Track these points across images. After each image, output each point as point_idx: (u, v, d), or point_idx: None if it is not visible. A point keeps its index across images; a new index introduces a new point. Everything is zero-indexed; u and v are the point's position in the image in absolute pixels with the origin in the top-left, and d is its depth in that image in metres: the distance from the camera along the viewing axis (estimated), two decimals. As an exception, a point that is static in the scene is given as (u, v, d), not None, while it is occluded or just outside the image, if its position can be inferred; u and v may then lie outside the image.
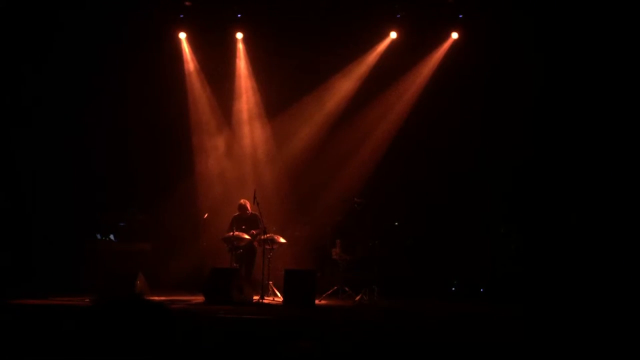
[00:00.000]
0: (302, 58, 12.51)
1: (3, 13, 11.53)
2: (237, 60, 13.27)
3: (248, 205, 11.43)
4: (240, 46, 13.22)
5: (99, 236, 11.93)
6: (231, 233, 10.95)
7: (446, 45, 12.83)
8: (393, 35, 12.82)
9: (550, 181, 12.10)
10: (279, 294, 10.93)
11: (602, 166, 11.67)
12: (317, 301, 10.55)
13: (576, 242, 11.46)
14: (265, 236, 10.94)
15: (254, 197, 10.96)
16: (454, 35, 12.72)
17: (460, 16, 12.48)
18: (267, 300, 10.73)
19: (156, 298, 10.09)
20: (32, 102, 12.25)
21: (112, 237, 12.00)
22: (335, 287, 11.19)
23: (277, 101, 13.18)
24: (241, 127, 13.44)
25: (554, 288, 11.05)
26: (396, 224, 12.67)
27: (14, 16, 11.69)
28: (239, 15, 12.76)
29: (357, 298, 10.89)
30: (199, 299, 10.57)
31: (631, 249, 11.10)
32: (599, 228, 11.42)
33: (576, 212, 11.67)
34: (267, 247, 10.92)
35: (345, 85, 13.16)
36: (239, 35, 13.08)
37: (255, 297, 10.63)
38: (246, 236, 11.08)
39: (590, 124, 11.85)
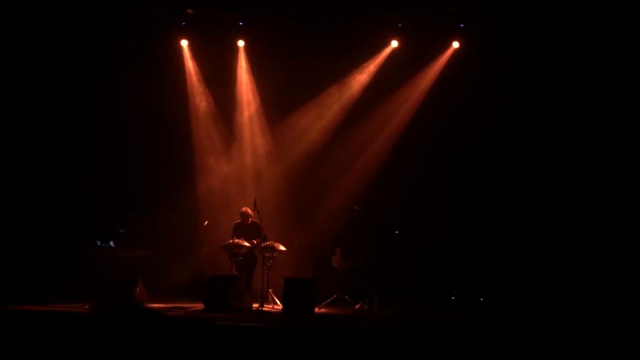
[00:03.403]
0: (303, 66, 12.52)
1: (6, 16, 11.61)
2: (238, 68, 13.30)
3: (250, 213, 11.43)
4: (242, 54, 13.25)
5: (98, 243, 11.92)
6: (231, 240, 10.94)
7: (447, 54, 12.85)
8: (394, 44, 12.85)
9: (552, 188, 12.11)
10: (278, 302, 10.91)
11: (604, 171, 11.69)
12: (316, 309, 10.53)
13: (578, 249, 11.46)
14: (265, 244, 10.93)
15: (254, 205, 10.97)
16: (455, 45, 12.74)
17: (462, 25, 12.50)
18: (267, 308, 10.72)
19: (155, 305, 10.11)
20: (33, 108, 12.29)
21: (111, 243, 11.99)
22: (335, 296, 11.17)
23: (278, 109, 13.19)
24: (242, 135, 13.46)
25: (554, 297, 11.04)
26: (396, 232, 12.66)
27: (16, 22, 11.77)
28: (240, 23, 12.79)
29: (357, 306, 10.87)
30: (199, 306, 10.55)
31: (633, 257, 11.12)
32: (601, 234, 11.43)
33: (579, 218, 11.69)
34: (267, 254, 10.91)
35: (346, 93, 13.19)
36: (241, 43, 13.11)
37: (255, 305, 10.61)
38: (246, 243, 11.07)
39: (592, 131, 11.87)
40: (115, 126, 12.60)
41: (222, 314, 9.60)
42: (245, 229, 11.44)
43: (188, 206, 12.77)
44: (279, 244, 11.07)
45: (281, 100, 13.10)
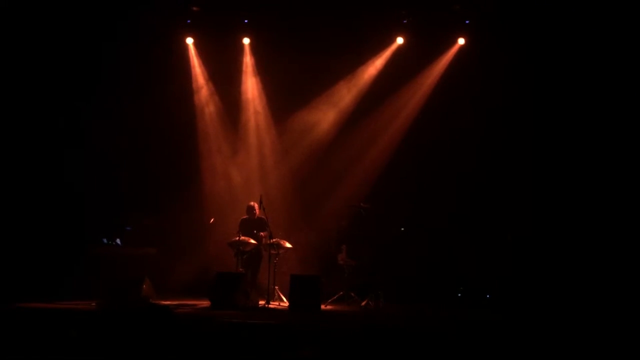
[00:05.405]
0: (308, 64, 12.53)
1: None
2: (244, 66, 13.32)
3: (256, 207, 11.46)
4: (247, 51, 13.27)
5: (105, 240, 11.97)
6: (237, 237, 10.96)
7: (453, 50, 12.83)
8: (399, 40, 12.83)
9: (557, 186, 12.08)
10: (284, 299, 10.94)
11: (612, 167, 11.67)
12: (322, 306, 10.55)
13: (586, 247, 11.43)
14: (271, 241, 10.95)
15: (260, 202, 10.99)
16: (461, 41, 12.71)
17: (467, 22, 12.48)
18: (273, 305, 10.74)
19: (162, 302, 10.14)
20: (40, 108, 12.34)
21: (118, 241, 12.03)
22: (341, 293, 11.19)
23: (283, 106, 13.20)
24: (247, 132, 13.47)
25: (561, 295, 11.02)
26: (402, 229, 12.65)
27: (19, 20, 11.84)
28: (245, 21, 12.80)
29: (363, 303, 10.88)
30: (205, 303, 10.58)
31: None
32: (609, 231, 11.40)
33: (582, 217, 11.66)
34: (273, 252, 10.93)
35: (351, 90, 13.18)
36: (246, 41, 13.13)
37: (261, 302, 10.63)
38: (252, 241, 11.09)
39: (599, 127, 11.84)
40: (122, 124, 12.62)
41: (229, 311, 9.63)
42: (251, 223, 11.47)
43: (194, 204, 12.80)
44: (285, 241, 11.10)
45: (287, 97, 13.11)
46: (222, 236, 11.70)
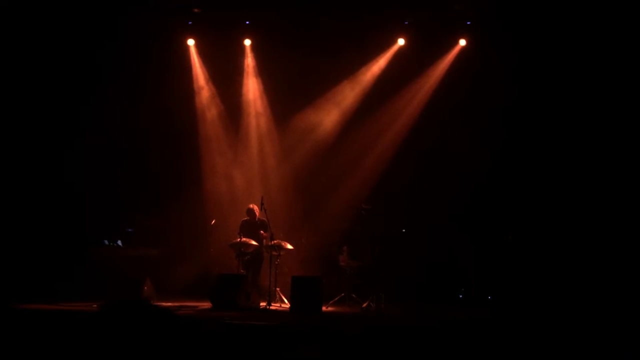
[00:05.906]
0: (309, 64, 12.53)
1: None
2: (245, 67, 13.32)
3: (256, 210, 11.46)
4: (248, 52, 13.27)
5: (106, 242, 11.97)
6: (239, 239, 10.95)
7: (454, 51, 12.82)
8: (401, 42, 12.83)
9: (558, 186, 12.07)
10: (286, 301, 10.92)
11: (614, 167, 11.66)
12: (324, 308, 10.54)
13: (587, 247, 11.41)
14: (273, 242, 10.94)
15: (262, 204, 10.97)
16: (462, 42, 12.71)
17: (468, 23, 12.47)
18: (274, 306, 10.73)
19: (163, 304, 10.13)
20: (43, 109, 12.35)
21: (119, 242, 12.03)
22: (343, 294, 11.18)
23: (285, 107, 13.20)
24: (249, 134, 13.47)
25: (562, 295, 11.00)
26: (403, 230, 12.64)
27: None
28: (247, 22, 12.81)
29: (364, 305, 10.87)
30: (206, 304, 10.58)
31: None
32: (610, 231, 11.38)
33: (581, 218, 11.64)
34: (274, 253, 10.92)
35: (353, 91, 13.17)
36: (247, 42, 13.13)
37: (262, 304, 10.62)
38: (253, 242, 11.09)
39: (598, 130, 11.82)
40: (122, 125, 12.62)
41: (230, 313, 9.62)
42: (252, 225, 11.46)
43: (195, 205, 12.80)
44: (286, 243, 11.08)
45: (288, 98, 13.10)
46: (223, 237, 11.70)
